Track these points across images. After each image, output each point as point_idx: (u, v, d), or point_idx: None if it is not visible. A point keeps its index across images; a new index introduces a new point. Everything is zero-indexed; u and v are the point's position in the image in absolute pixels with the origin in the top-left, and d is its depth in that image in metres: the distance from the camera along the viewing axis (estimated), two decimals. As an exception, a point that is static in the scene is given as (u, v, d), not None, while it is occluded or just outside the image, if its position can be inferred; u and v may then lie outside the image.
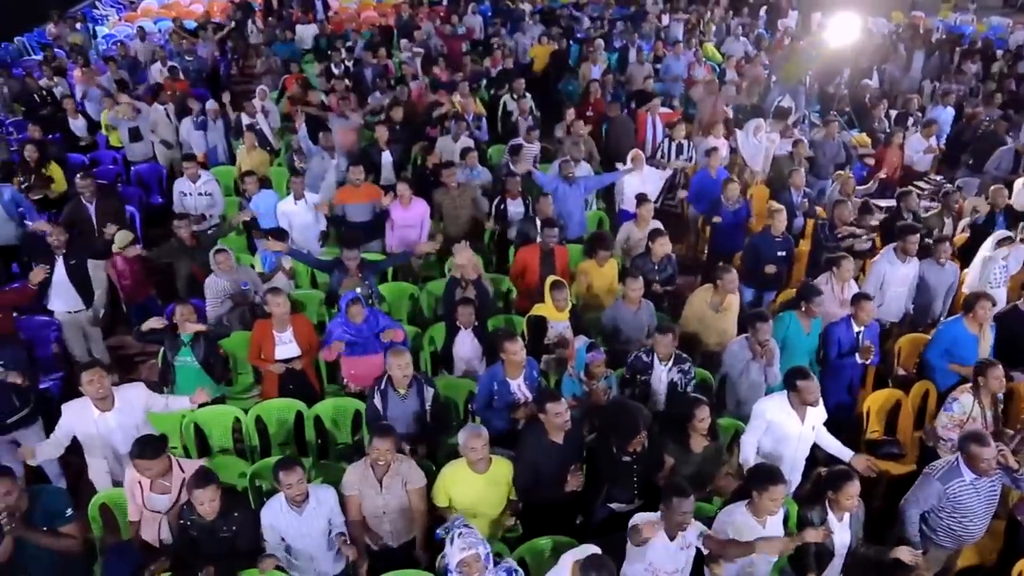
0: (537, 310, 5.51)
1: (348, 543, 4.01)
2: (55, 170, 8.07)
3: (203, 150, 9.16)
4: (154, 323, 5.25)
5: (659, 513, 3.73)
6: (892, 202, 7.85)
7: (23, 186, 7.80)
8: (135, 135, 9.00)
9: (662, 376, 5.02)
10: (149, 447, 3.96)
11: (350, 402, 5.30)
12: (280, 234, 6.42)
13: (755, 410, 4.63)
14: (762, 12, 16.29)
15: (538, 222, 6.66)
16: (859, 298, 5.45)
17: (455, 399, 5.50)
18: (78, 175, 7.11)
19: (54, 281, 5.98)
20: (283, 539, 4.03)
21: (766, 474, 3.87)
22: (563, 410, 4.13)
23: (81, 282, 6.10)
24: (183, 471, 4.07)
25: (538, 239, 6.49)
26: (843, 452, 4.68)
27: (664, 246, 6.18)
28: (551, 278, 5.49)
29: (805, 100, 10.75)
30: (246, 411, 5.27)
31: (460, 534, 3.42)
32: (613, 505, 4.46)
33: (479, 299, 5.48)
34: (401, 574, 4.00)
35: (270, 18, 15.21)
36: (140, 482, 4.03)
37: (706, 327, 5.76)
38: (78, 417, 4.45)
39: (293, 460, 3.97)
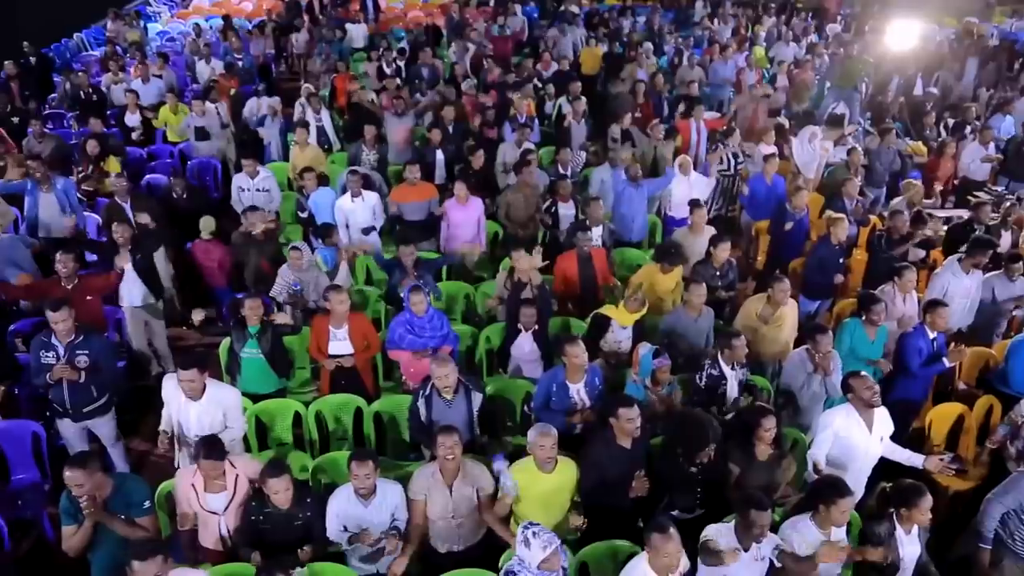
0: (606, 310, 5.49)
1: (394, 538, 4.03)
2: (112, 165, 8.20)
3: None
4: (197, 315, 5.43)
5: (731, 524, 3.72)
6: (953, 212, 7.72)
7: (80, 175, 7.99)
8: (202, 134, 9.15)
9: (733, 381, 5.01)
10: (216, 449, 3.98)
11: (409, 400, 5.32)
12: (328, 230, 6.53)
13: (821, 422, 4.60)
14: (808, 17, 16.10)
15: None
16: (934, 305, 5.38)
17: (512, 399, 5.52)
18: (113, 174, 7.24)
19: (124, 276, 6.07)
20: (345, 528, 4.09)
21: (833, 486, 3.85)
22: (636, 416, 4.14)
23: (148, 276, 6.20)
24: (235, 467, 4.11)
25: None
26: (914, 459, 4.64)
27: (725, 251, 6.15)
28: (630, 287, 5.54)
29: (860, 108, 10.60)
30: (306, 405, 5.35)
31: (535, 533, 3.43)
32: (674, 512, 4.45)
33: (541, 303, 5.49)
34: (464, 573, 4.02)
35: (322, 16, 15.31)
36: (194, 484, 4.06)
37: (758, 337, 5.70)
38: (171, 392, 4.62)
39: (367, 453, 4.04)
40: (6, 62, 10.59)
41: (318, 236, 6.70)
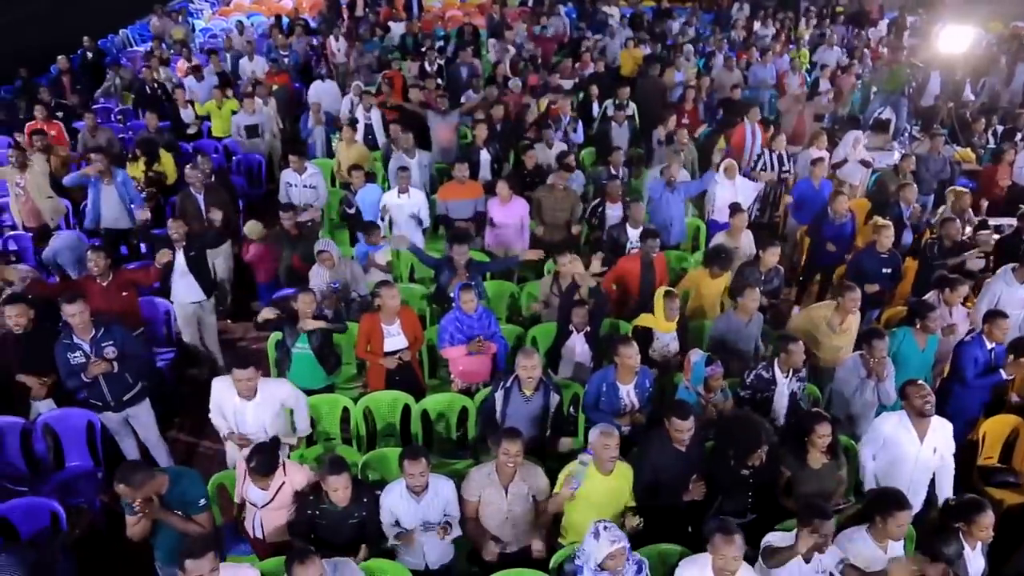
0: (643, 321, 5.47)
1: (450, 528, 4.06)
2: (167, 162, 8.20)
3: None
4: (268, 314, 5.38)
5: (791, 532, 3.69)
6: (1006, 221, 7.58)
7: (143, 189, 8.02)
8: (252, 131, 9.23)
9: (784, 389, 4.94)
10: (263, 464, 3.96)
11: (457, 398, 5.37)
12: (372, 227, 6.55)
13: (873, 423, 4.61)
14: (848, 22, 15.91)
15: (629, 229, 6.69)
16: (994, 315, 5.32)
17: (559, 401, 5.52)
18: (188, 166, 7.32)
19: (175, 272, 6.13)
20: (396, 522, 4.12)
21: (891, 499, 3.80)
22: (687, 428, 4.13)
23: (201, 273, 6.24)
24: (285, 475, 4.13)
25: (628, 247, 6.50)
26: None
27: (774, 257, 6.09)
28: (663, 288, 5.47)
29: (907, 113, 10.45)
30: (355, 401, 5.39)
31: (606, 527, 3.43)
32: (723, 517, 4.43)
33: (595, 308, 5.48)
34: (517, 573, 4.02)
35: (365, 15, 15.36)
36: (246, 472, 4.11)
37: (819, 344, 5.64)
38: (223, 394, 4.62)
39: (420, 451, 4.06)
40: (59, 57, 10.81)
41: (361, 232, 6.75)
